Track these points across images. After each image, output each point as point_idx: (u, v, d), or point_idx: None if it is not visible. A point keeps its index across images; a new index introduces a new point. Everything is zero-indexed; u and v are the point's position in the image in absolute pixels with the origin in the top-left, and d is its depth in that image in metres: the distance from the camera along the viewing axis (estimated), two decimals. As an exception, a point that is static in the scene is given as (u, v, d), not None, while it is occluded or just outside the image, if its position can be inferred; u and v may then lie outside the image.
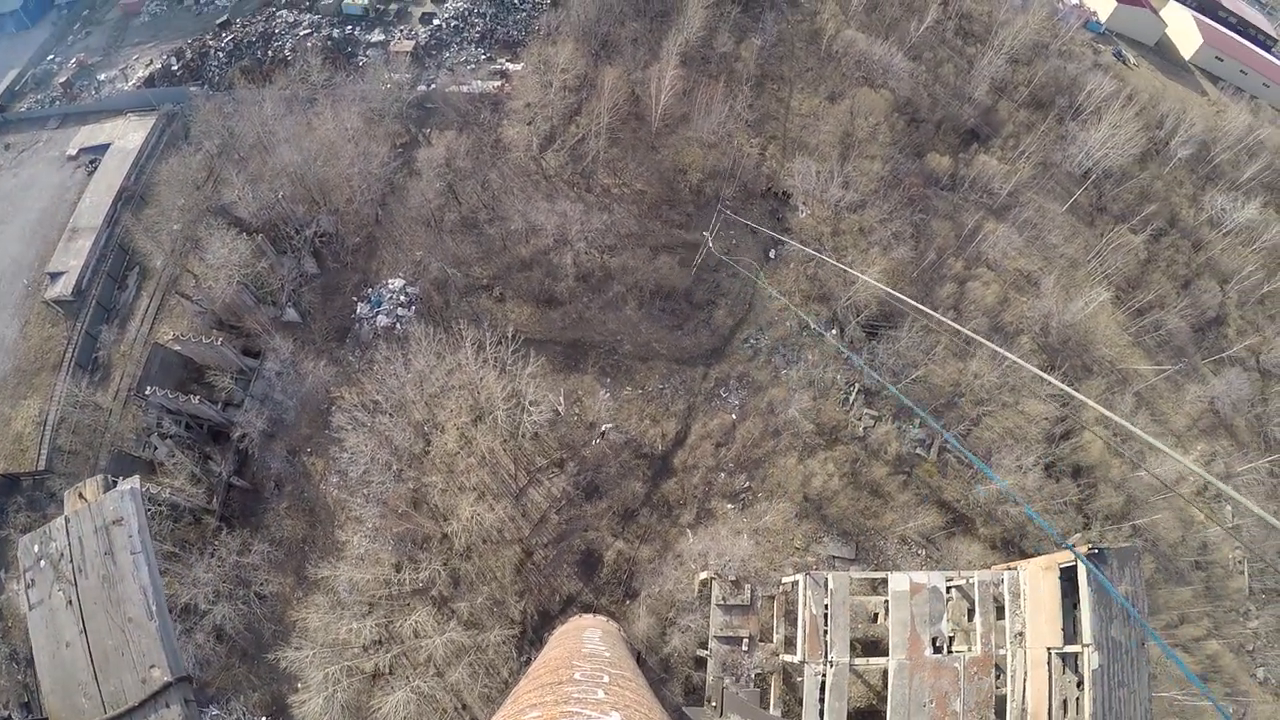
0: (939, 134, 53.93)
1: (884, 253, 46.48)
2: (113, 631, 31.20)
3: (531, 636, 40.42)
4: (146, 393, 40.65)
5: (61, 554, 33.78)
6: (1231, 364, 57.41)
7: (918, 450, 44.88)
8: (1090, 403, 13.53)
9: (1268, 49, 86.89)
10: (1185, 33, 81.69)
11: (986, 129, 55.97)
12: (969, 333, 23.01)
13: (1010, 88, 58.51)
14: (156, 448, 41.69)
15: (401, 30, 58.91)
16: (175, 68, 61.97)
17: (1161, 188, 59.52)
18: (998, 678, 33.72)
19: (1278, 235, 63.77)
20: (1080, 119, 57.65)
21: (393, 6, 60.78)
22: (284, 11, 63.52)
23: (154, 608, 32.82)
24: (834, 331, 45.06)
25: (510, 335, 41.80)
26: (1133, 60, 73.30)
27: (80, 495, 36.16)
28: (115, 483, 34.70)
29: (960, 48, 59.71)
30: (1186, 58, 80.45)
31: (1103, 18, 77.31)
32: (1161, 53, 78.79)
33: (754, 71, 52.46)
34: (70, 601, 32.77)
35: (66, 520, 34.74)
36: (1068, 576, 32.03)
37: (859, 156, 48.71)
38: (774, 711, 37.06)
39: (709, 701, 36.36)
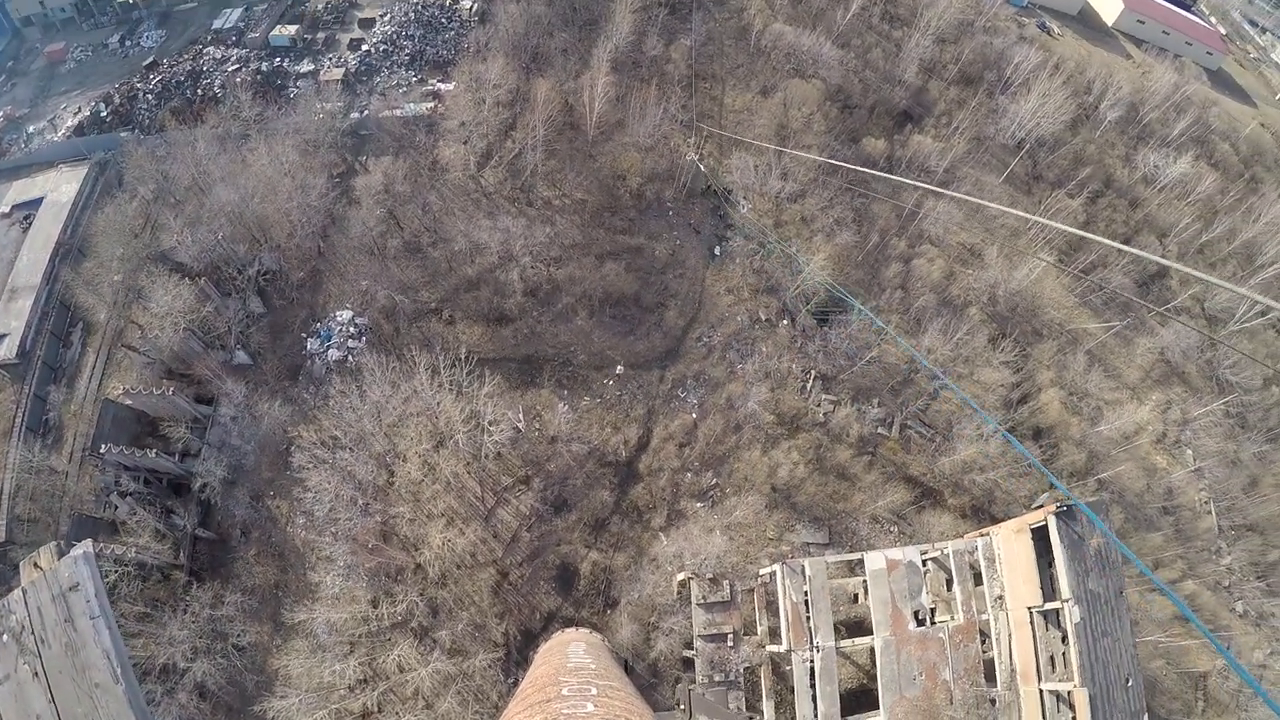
0: (873, 118, 54.84)
1: (828, 239, 47.09)
2: (81, 699, 29.85)
3: (517, 657, 40.12)
4: (101, 451, 39.63)
5: (22, 626, 32.30)
6: (1178, 314, 59.22)
7: (879, 430, 45.49)
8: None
9: (1188, 8, 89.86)
10: (1106, 0, 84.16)
11: (919, 109, 57.07)
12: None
13: (939, 67, 59.74)
14: (117, 507, 40.48)
15: (331, 58, 58.28)
16: (104, 114, 60.66)
17: (1094, 151, 61.22)
18: (983, 642, 34.35)
19: (1211, 186, 66.00)
20: (1010, 92, 59.06)
21: (320, 35, 60.13)
22: (210, 48, 62.52)
23: (119, 671, 31.40)
24: (785, 323, 45.55)
25: (463, 357, 41.52)
26: (1057, 31, 75.34)
27: (35, 564, 34.51)
28: (71, 545, 33.16)
29: (887, 32, 60.82)
30: (1109, 24, 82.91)
31: (1024, -9, 79.27)
32: (1084, 21, 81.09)
33: (685, 72, 52.89)
34: (36, 673, 31.26)
35: (24, 591, 33.17)
36: (1040, 536, 32.80)
37: (795, 147, 49.27)
38: (767, 702, 37.24)
39: (678, 705, 36.46)
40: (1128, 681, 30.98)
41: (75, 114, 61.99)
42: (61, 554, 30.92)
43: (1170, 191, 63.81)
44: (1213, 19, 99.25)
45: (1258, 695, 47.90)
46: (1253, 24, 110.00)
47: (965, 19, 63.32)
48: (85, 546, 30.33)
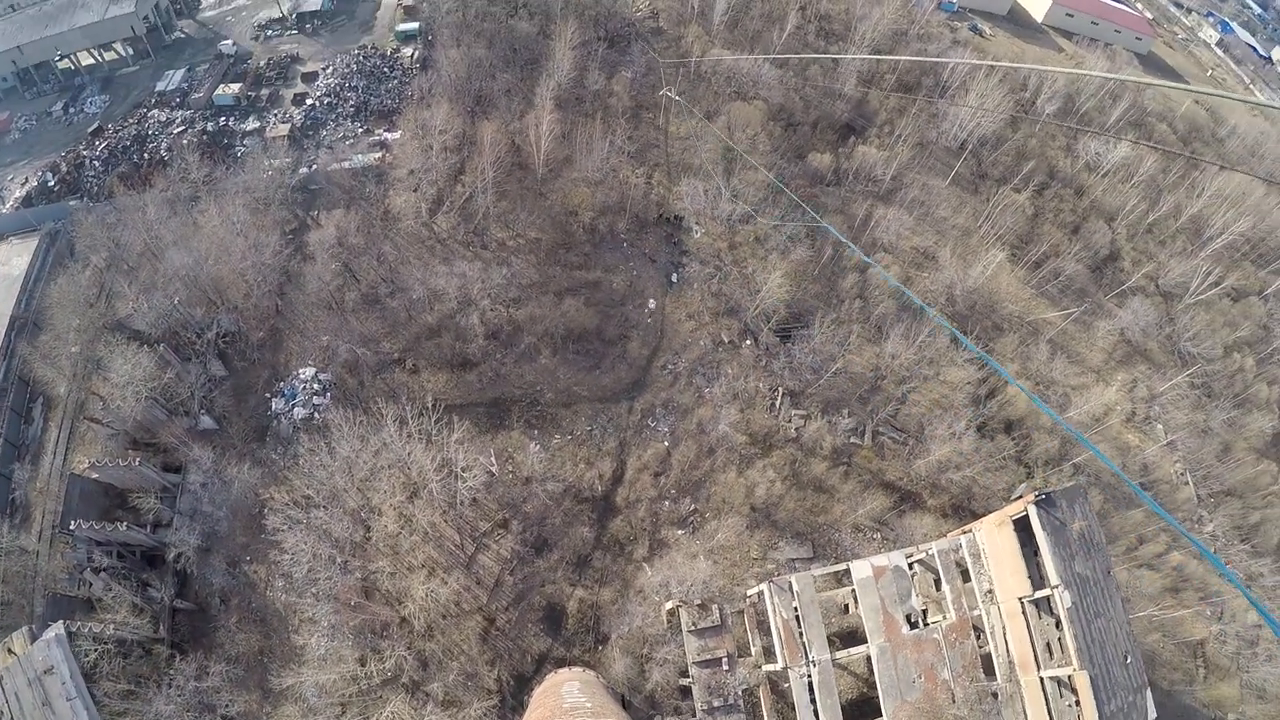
0: (816, 133, 55.98)
1: (783, 257, 47.73)
2: None
3: (512, 703, 39.55)
4: (71, 528, 38.99)
5: (1, 712, 31.43)
6: (1133, 294, 60.68)
7: (852, 439, 45.83)
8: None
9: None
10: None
11: (861, 121, 58.39)
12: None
13: (877, 77, 61.30)
14: (91, 583, 39.52)
15: (276, 114, 58.31)
16: (52, 183, 60.09)
17: (1036, 145, 62.97)
18: (978, 638, 34.47)
19: (1152, 166, 68.09)
20: (948, 95, 60.67)
21: (264, 92, 60.17)
22: (155, 111, 62.36)
23: None
24: (748, 343, 45.93)
25: (430, 405, 41.32)
26: (989, 32, 77.77)
27: (9, 650, 33.82)
28: (47, 625, 32.43)
29: (824, 48, 62.34)
30: (1039, 20, 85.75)
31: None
32: (1015, 20, 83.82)
33: (629, 104, 53.68)
34: None
35: (0, 678, 32.26)
36: (1022, 527, 33.03)
37: (743, 168, 50.09)
38: (768, 720, 36.97)
39: None
40: (1126, 658, 31.27)
41: (23, 185, 61.34)
42: (34, 638, 30.39)
43: (1114, 176, 65.71)
44: (1139, 4, 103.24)
45: (1257, 656, 48.74)
46: (1178, 5, 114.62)
47: (899, 29, 65.16)
48: (57, 629, 29.90)
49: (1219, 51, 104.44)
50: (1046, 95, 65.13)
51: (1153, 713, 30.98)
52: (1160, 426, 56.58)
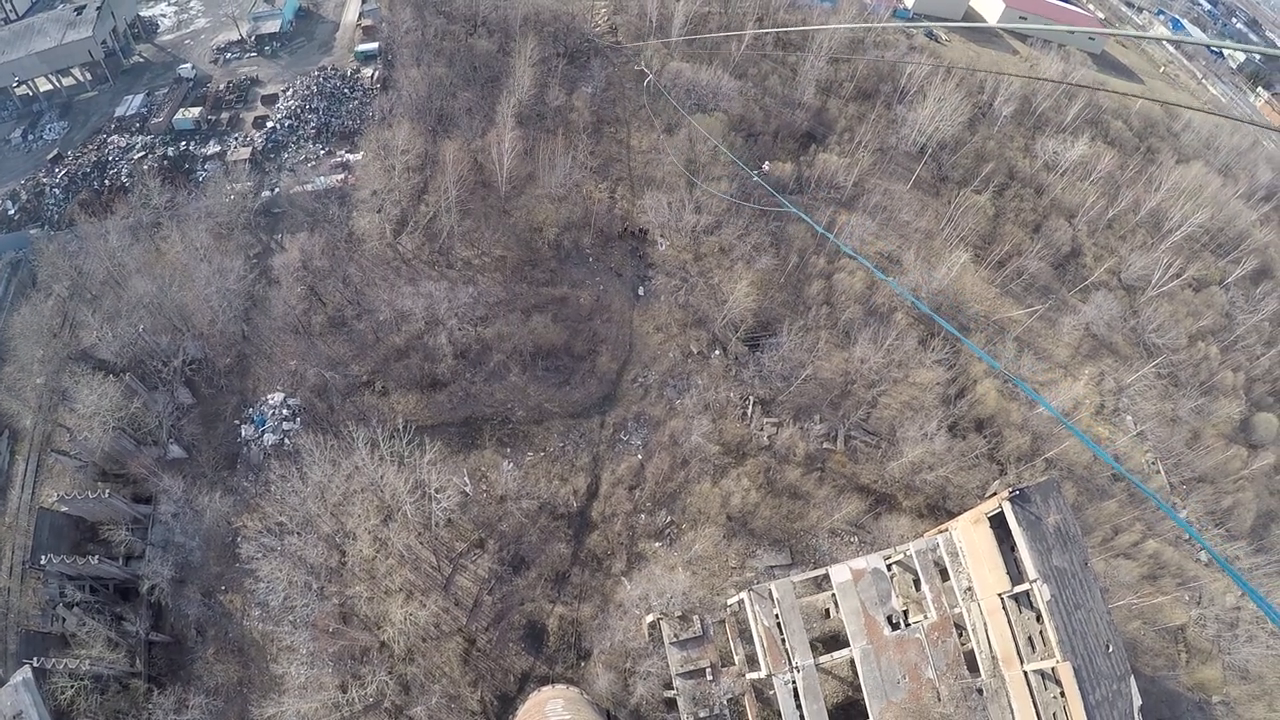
0: (777, 142, 56.65)
1: (748, 266, 48.13)
2: None
3: (496, 724, 39.09)
4: (42, 563, 38.21)
5: None
6: (1096, 289, 62.01)
7: (825, 444, 46.16)
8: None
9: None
10: (988, 2, 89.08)
11: (821, 129, 59.21)
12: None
13: (836, 86, 62.27)
14: (64, 619, 38.58)
15: (237, 138, 57.75)
16: (12, 211, 59.07)
17: (995, 146, 64.27)
18: (960, 635, 34.81)
19: (1110, 163, 69.81)
20: (906, 101, 61.74)
21: (224, 115, 59.57)
22: (115, 136, 61.48)
23: None
24: (716, 354, 46.13)
25: (401, 427, 41.03)
26: (944, 37, 79.38)
27: None
28: (22, 663, 31.45)
29: (782, 58, 63.26)
30: (993, 23, 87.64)
31: (908, 3, 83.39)
32: (970, 24, 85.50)
33: (590, 119, 53.96)
34: None
35: None
36: (998, 523, 33.43)
37: (705, 179, 50.49)
38: (756, 730, 36.88)
39: None
40: (1108, 648, 31.67)
41: (-17, 214, 60.01)
42: (2, 683, 29.47)
43: (1073, 174, 67.21)
44: (1090, 4, 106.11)
45: (1238, 638, 49.67)
46: (1129, 5, 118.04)
47: (856, 37, 66.29)
48: (24, 672, 29.18)
49: (1171, 49, 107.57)
50: (1003, 97, 66.58)
51: (1138, 699, 31.42)
52: (1129, 417, 57.71)
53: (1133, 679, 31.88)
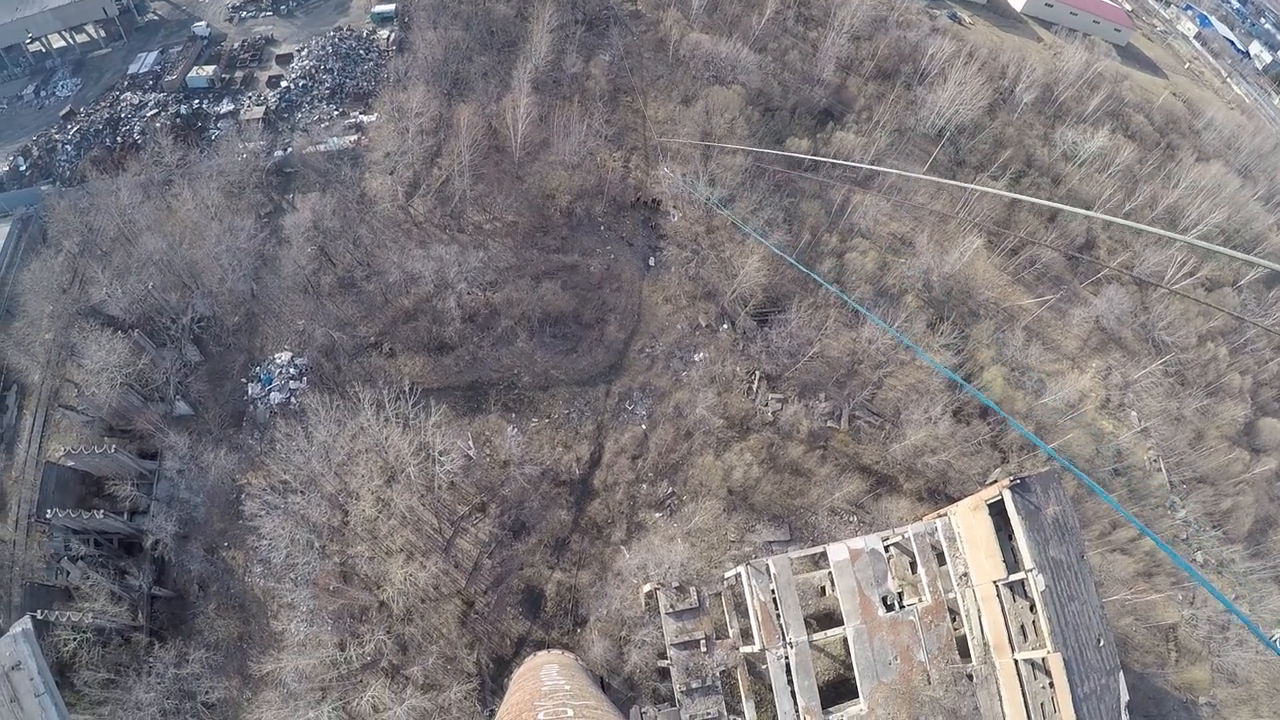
0: (795, 119, 55.99)
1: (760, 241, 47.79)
2: None
3: (491, 686, 39.68)
4: (48, 516, 38.53)
5: None
6: (1109, 282, 61.46)
7: (828, 423, 46.14)
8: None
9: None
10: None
11: (840, 107, 58.46)
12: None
13: (856, 64, 61.35)
14: (69, 572, 39.13)
15: (250, 97, 57.40)
16: (24, 168, 59.07)
17: (1014, 133, 63.39)
18: (953, 620, 35.04)
19: (1129, 157, 68.85)
20: (927, 82, 60.87)
21: (238, 74, 59.17)
22: (128, 94, 61.21)
23: None
24: (725, 327, 46.02)
25: (407, 389, 41.17)
26: (968, 20, 78.05)
27: None
28: (30, 614, 31.63)
29: (803, 34, 62.32)
30: (1019, 9, 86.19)
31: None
32: (994, 8, 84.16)
33: (606, 87, 53.40)
34: None
35: None
36: (997, 511, 33.57)
37: (720, 152, 50.07)
38: (747, 703, 37.31)
39: None
40: (1099, 641, 31.89)
41: (-7, 170, 60.07)
42: (1, 633, 29.75)
43: (1091, 165, 66.33)
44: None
45: (1228, 641, 49.87)
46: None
47: (878, 15, 65.23)
48: (24, 623, 29.34)
49: (1197, 45, 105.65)
50: (1025, 84, 65.59)
51: (1125, 695, 31.66)
52: (1134, 413, 57.44)
53: (1122, 674, 32.12)
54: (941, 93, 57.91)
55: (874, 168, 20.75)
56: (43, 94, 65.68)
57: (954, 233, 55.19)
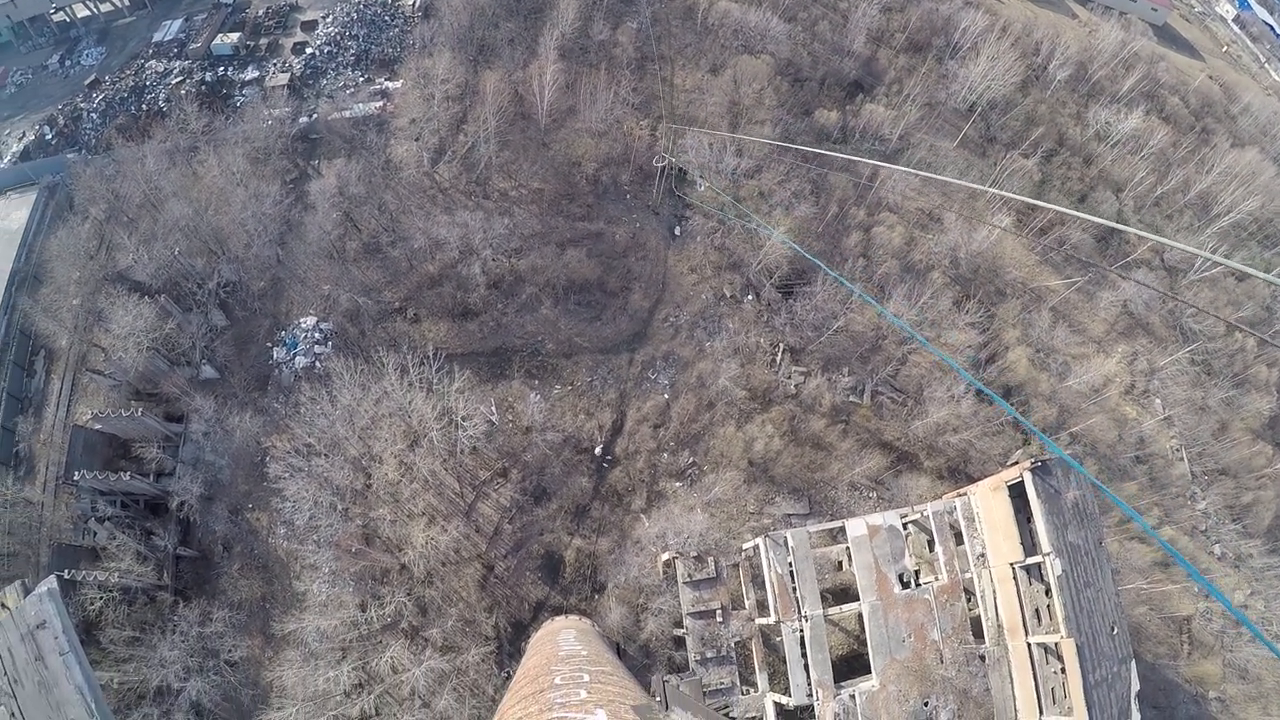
0: (824, 90, 55.07)
1: (787, 213, 47.32)
2: None
3: (509, 649, 40.16)
4: (75, 478, 39.16)
5: None
6: (1138, 266, 60.31)
7: (851, 398, 45.86)
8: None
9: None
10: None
11: (869, 79, 57.40)
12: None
13: (887, 36, 60.12)
14: (96, 533, 39.76)
15: (275, 64, 57.35)
16: (50, 136, 59.53)
17: (1046, 111, 62.00)
18: (969, 600, 34.84)
19: (1163, 140, 67.17)
20: (958, 57, 59.59)
21: (263, 41, 59.10)
22: (152, 62, 61.38)
23: (93, 705, 30.85)
24: (750, 299, 45.73)
25: (431, 354, 41.36)
26: (1002, -7, 76.04)
27: (2, 605, 33.58)
28: (57, 574, 32.14)
29: (833, 3, 61.01)
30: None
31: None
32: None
33: (633, 55, 52.76)
34: (13, 714, 30.52)
35: None
36: (1017, 493, 33.24)
37: (748, 123, 49.43)
38: (760, 674, 37.57)
39: (654, 696, 36.63)
40: (1113, 629, 31.64)
41: (19, 139, 60.67)
42: (28, 592, 30.31)
43: (1123, 147, 64.81)
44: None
45: (1241, 636, 49.43)
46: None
47: (911, -13, 63.84)
48: (49, 582, 29.71)
49: (1235, 28, 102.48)
50: (1059, 61, 64.04)
51: (1136, 684, 31.42)
52: (1158, 401, 56.55)
53: (1134, 663, 31.82)
54: (973, 67, 56.66)
55: (882, 164, 20.44)
56: (68, 63, 66.06)
57: (982, 210, 54.31)
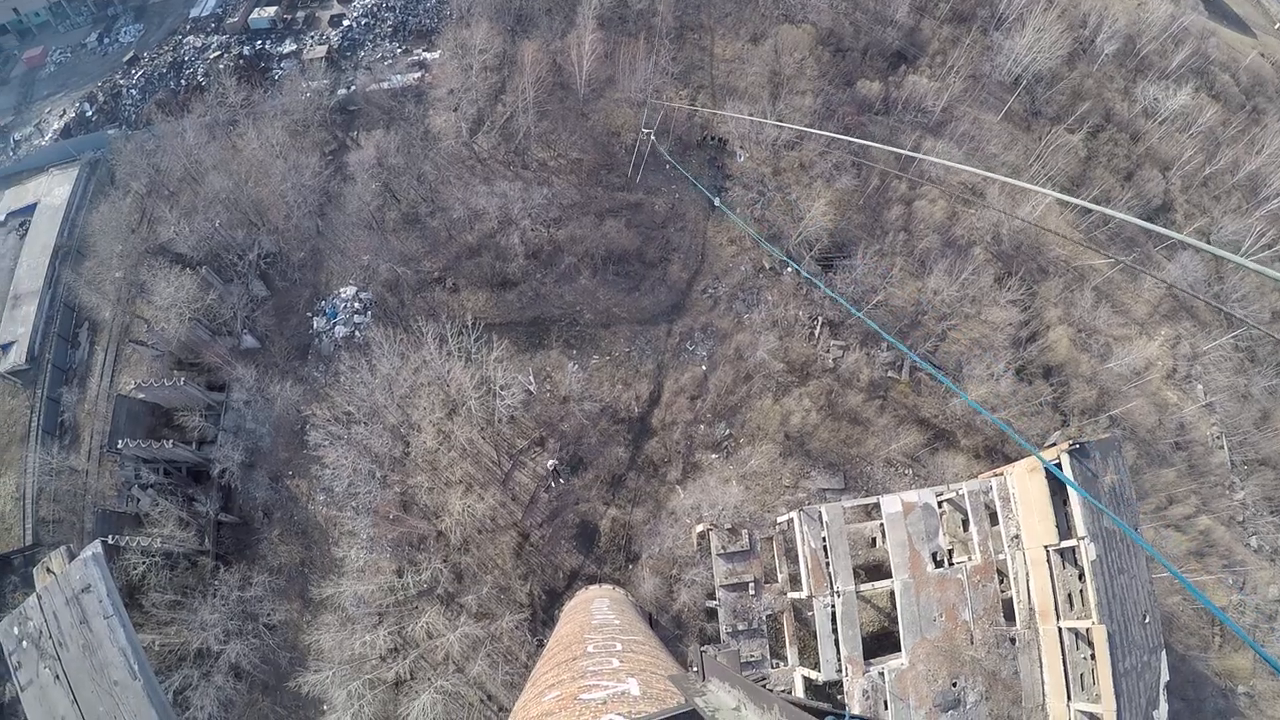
0: (866, 60, 53.93)
1: (828, 185, 46.64)
2: (102, 698, 30.24)
3: (543, 617, 40.68)
4: (119, 446, 40.05)
5: (40, 631, 32.53)
6: (1183, 248, 58.59)
7: (889, 373, 45.37)
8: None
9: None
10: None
11: (913, 49, 56.08)
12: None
13: (931, 5, 58.61)
14: (139, 499, 40.78)
15: (312, 36, 57.59)
16: (90, 113, 60.45)
17: (1093, 85, 60.22)
18: (1001, 582, 34.54)
19: (1212, 118, 64.94)
20: (1004, 28, 57.99)
21: (300, 14, 59.35)
22: (190, 37, 61.98)
23: (136, 667, 31.77)
24: (789, 270, 45.27)
25: (470, 324, 41.65)
26: (1048, -36, 73.52)
27: (48, 569, 34.61)
28: (101, 541, 32.94)
29: (884, -28, 59.60)
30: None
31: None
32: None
33: (673, 24, 52.08)
34: (57, 676, 31.61)
35: (38, 597, 33.35)
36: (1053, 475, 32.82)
37: (789, 93, 48.65)
38: (790, 648, 37.65)
39: (691, 667, 36.73)
40: (1145, 618, 31.21)
41: (61, 116, 61.70)
42: (72, 557, 31.09)
43: (1171, 124, 62.80)
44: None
45: (1274, 632, 48.36)
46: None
47: (956, -42, 61.98)
48: (94, 547, 30.40)
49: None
50: (1106, 34, 62.04)
51: (1166, 675, 31.01)
52: (1200, 387, 55.19)
53: (1164, 653, 31.33)
54: (1019, 39, 55.08)
55: (913, 153, 19.72)
56: (106, 41, 66.92)
57: (1028, 184, 53.11)
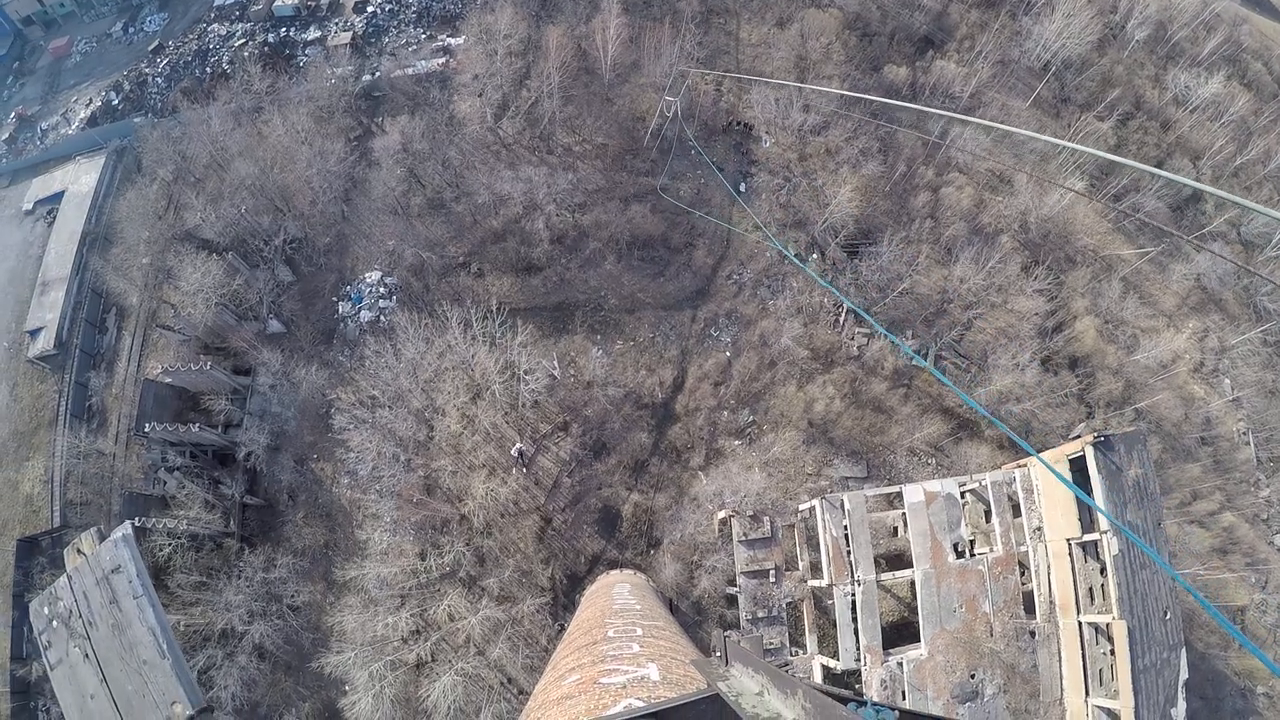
0: (893, 45, 53.26)
1: (854, 171, 46.25)
2: (130, 676, 30.86)
3: (564, 601, 40.99)
4: (146, 430, 40.70)
5: (70, 611, 33.17)
6: (1213, 239, 57.60)
7: (914, 361, 45.04)
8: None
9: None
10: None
11: (940, 34, 55.29)
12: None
13: (959, -10, 57.80)
14: (165, 482, 41.56)
15: (337, 23, 57.84)
16: (116, 102, 61.16)
17: (1123, 72, 59.14)
18: (1022, 574, 34.40)
19: (1244, 107, 63.56)
20: (1033, 13, 57.02)
21: (324, 1, 59.57)
22: (215, 25, 62.43)
23: (165, 646, 32.26)
24: (815, 257, 45.03)
25: (494, 309, 41.86)
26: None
27: (78, 550, 35.24)
28: (129, 523, 33.56)
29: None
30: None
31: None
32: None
33: (698, 8, 51.79)
34: (87, 655, 32.25)
35: (69, 577, 34.01)
36: (1077, 467, 32.49)
37: (815, 78, 48.23)
38: (810, 636, 37.68)
39: (714, 651, 36.79)
40: (1166, 614, 30.94)
41: (87, 105, 62.48)
42: (103, 538, 31.50)
43: (1202, 113, 61.52)
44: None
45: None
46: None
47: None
48: (124, 529, 30.94)
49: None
50: (1137, 20, 60.85)
51: (1185, 673, 30.70)
52: (1228, 381, 54.32)
53: (1184, 651, 30.99)
54: (1049, 25, 54.16)
55: (954, 115, 19.54)
56: (131, 30, 67.57)
57: (1055, 173, 52.31)
